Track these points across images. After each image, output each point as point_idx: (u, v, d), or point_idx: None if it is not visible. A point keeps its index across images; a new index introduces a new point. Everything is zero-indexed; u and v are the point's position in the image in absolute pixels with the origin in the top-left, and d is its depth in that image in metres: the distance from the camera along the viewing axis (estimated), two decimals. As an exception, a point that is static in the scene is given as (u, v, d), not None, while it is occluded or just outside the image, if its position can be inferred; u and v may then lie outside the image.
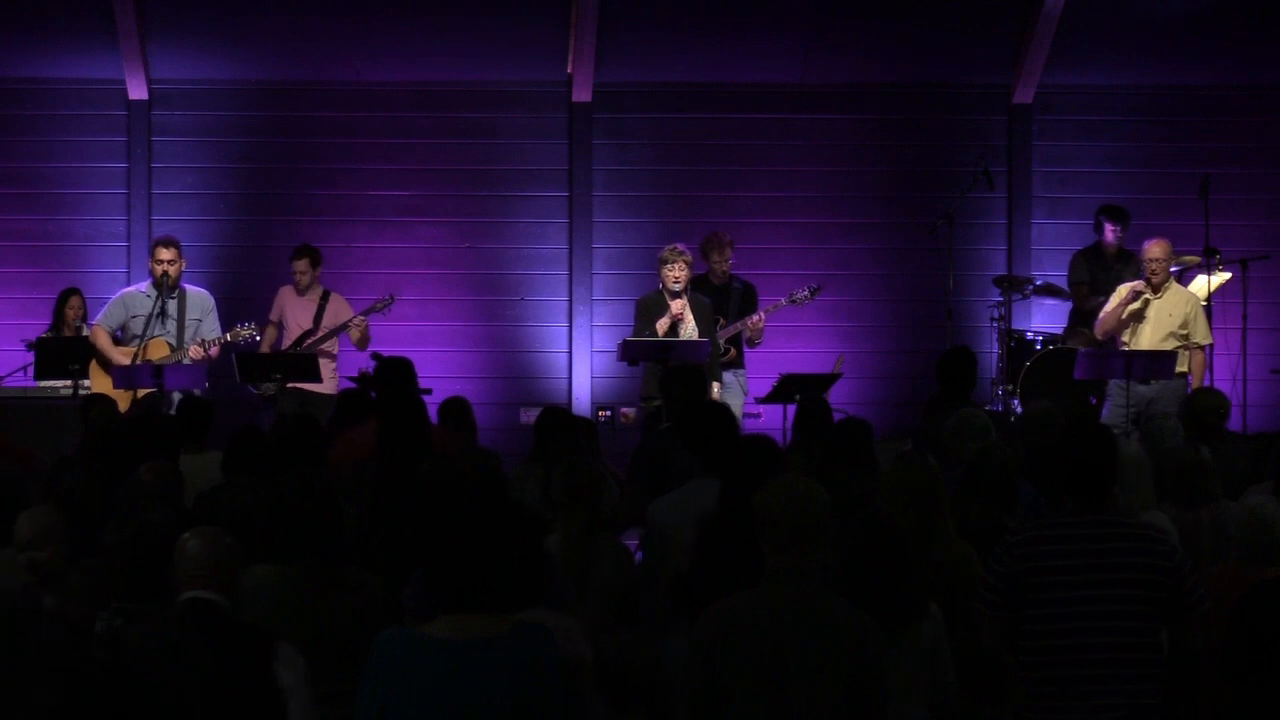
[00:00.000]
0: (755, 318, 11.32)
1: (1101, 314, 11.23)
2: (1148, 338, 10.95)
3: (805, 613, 4.73)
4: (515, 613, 4.55)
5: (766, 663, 4.70)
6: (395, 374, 8.35)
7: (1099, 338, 11.30)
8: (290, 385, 11.10)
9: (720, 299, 11.32)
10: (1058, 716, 5.10)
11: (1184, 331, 10.96)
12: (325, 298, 11.80)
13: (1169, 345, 10.87)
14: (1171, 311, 10.98)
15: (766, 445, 6.34)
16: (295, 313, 11.76)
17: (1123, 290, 11.07)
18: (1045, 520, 5.35)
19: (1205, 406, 8.72)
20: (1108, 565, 5.11)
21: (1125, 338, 11.04)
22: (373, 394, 8.79)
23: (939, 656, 5.23)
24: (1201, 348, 11.04)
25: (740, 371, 11.37)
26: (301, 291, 11.76)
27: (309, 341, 11.59)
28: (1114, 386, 10.78)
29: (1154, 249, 10.99)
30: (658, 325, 10.81)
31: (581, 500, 6.30)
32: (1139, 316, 10.99)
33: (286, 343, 11.64)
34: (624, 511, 7.40)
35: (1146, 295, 10.95)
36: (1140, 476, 6.93)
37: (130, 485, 6.47)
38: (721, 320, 11.21)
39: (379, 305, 11.65)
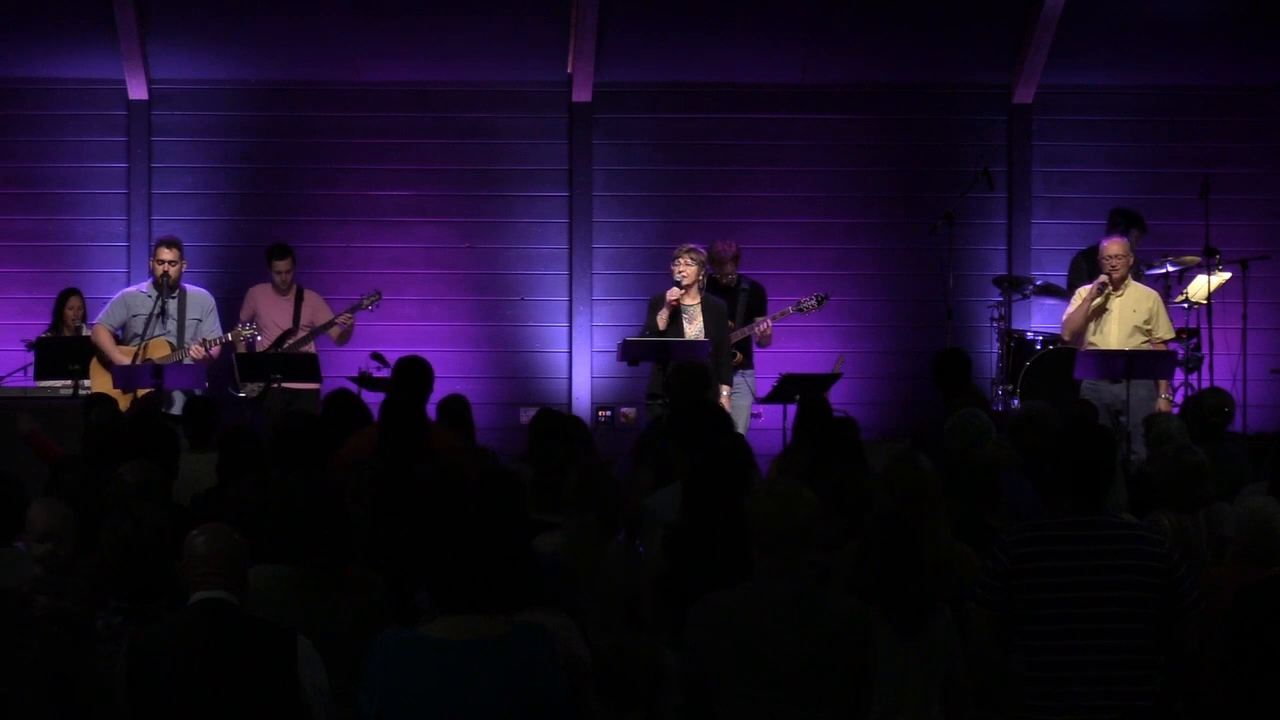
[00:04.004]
0: (764, 325, 11.33)
1: (1065, 317, 11.24)
2: (1115, 335, 10.95)
3: (795, 605, 4.75)
4: (513, 612, 4.55)
5: (757, 655, 4.72)
6: (412, 375, 8.34)
7: (1066, 339, 11.30)
8: (275, 385, 11.05)
9: (727, 300, 11.33)
10: (1052, 716, 5.10)
11: (1148, 326, 10.98)
12: (300, 296, 11.78)
13: (1135, 340, 10.90)
14: (1135, 308, 11.00)
15: (731, 450, 6.35)
16: (272, 312, 11.68)
17: (1082, 291, 11.09)
18: (1042, 520, 5.35)
19: (1211, 407, 8.70)
20: (1104, 566, 5.11)
21: (1090, 335, 11.02)
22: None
23: (955, 656, 5.24)
24: (1165, 342, 11.06)
25: (749, 373, 11.38)
26: (283, 291, 11.73)
27: (290, 341, 11.54)
28: (1087, 388, 10.77)
29: (1113, 247, 11.02)
30: (657, 318, 10.85)
31: (594, 501, 6.30)
32: (1101, 311, 11.00)
33: (265, 342, 11.59)
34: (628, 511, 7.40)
35: (1109, 290, 10.96)
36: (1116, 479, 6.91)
37: (113, 485, 6.45)
38: (730, 323, 11.23)
39: (365, 302, 11.62)
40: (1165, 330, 11.08)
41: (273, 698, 4.80)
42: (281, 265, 11.69)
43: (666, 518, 6.58)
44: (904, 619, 5.02)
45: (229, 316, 11.48)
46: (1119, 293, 10.99)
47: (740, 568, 5.34)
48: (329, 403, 8.38)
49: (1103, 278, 10.97)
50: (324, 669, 4.92)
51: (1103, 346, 10.86)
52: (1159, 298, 11.24)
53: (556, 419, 8.06)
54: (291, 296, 11.75)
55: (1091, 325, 11.02)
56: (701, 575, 5.65)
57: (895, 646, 5.12)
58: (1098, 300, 10.96)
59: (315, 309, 11.75)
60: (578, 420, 9.38)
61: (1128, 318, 10.98)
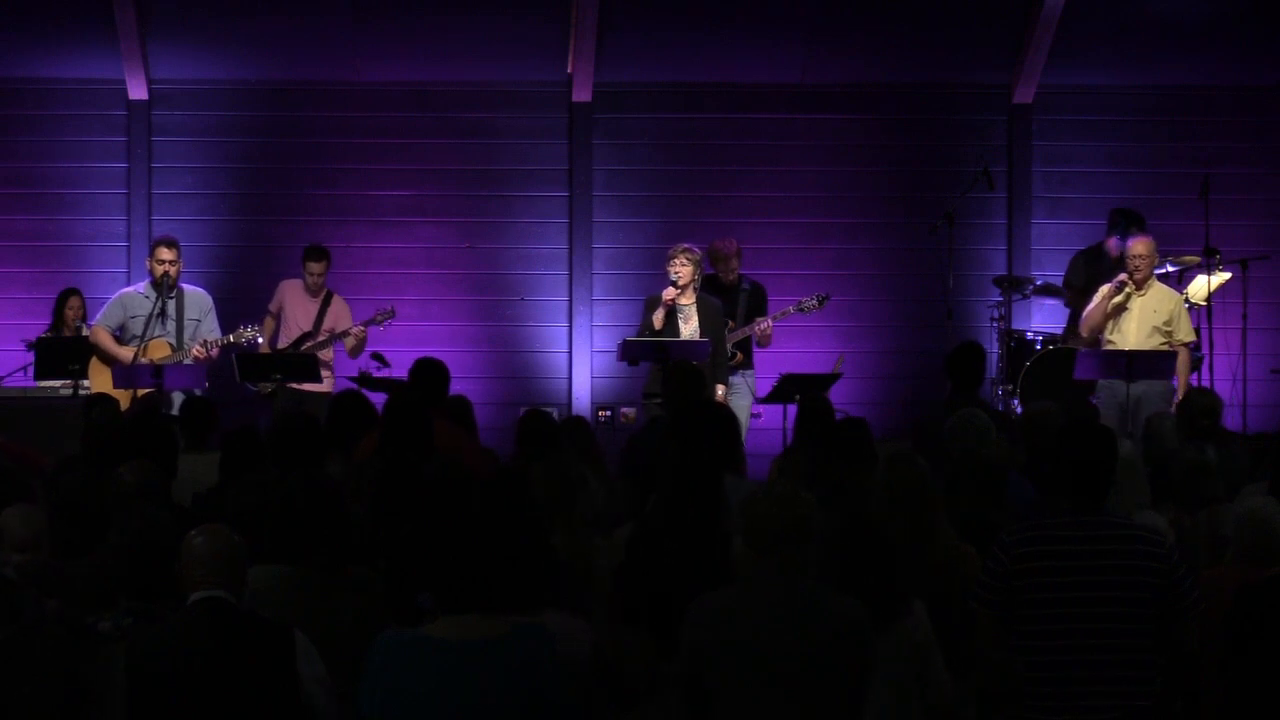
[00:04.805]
0: (764, 325, 11.32)
1: (1085, 313, 11.23)
2: (1133, 334, 10.94)
3: (793, 604, 4.76)
4: (524, 613, 4.55)
5: (756, 655, 4.72)
6: (431, 376, 8.34)
7: (1084, 335, 11.30)
8: (287, 384, 11.09)
9: (728, 300, 11.34)
10: (1052, 716, 5.10)
11: (1168, 328, 10.97)
12: (328, 300, 11.78)
13: (1154, 340, 10.88)
14: (1156, 308, 10.98)
15: (712, 453, 6.35)
16: (297, 311, 11.71)
17: (1104, 289, 11.08)
18: (1043, 520, 5.35)
19: (1201, 408, 8.68)
20: (1105, 566, 5.11)
21: (1109, 333, 11.01)
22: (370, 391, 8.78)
23: (928, 654, 5.24)
24: (1185, 345, 11.05)
25: (749, 373, 11.37)
26: (314, 293, 11.74)
27: (307, 345, 11.55)
28: (1103, 386, 10.77)
29: (1138, 246, 11.00)
30: (653, 317, 10.84)
31: (562, 500, 6.29)
32: (1121, 309, 10.99)
33: (284, 341, 11.61)
34: (615, 509, 7.39)
35: (1129, 289, 10.95)
36: (1133, 477, 6.91)
37: (113, 485, 6.45)
38: (731, 323, 11.23)
39: (379, 318, 11.61)
40: (1185, 333, 11.04)
41: (272, 695, 4.82)
42: (316, 267, 11.69)
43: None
44: (871, 615, 5.01)
45: (229, 317, 11.48)
46: (1141, 292, 10.97)
47: (701, 569, 5.35)
48: (336, 403, 8.39)
49: (1122, 276, 10.95)
50: (322, 662, 4.94)
51: (1121, 345, 10.83)
52: (1181, 299, 11.22)
53: (544, 420, 8.05)
54: (320, 299, 11.76)
55: (1110, 323, 10.99)
56: (658, 575, 5.64)
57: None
58: (1117, 299, 10.94)
59: (339, 315, 11.74)
60: (580, 420, 9.37)
61: (1148, 318, 10.95)
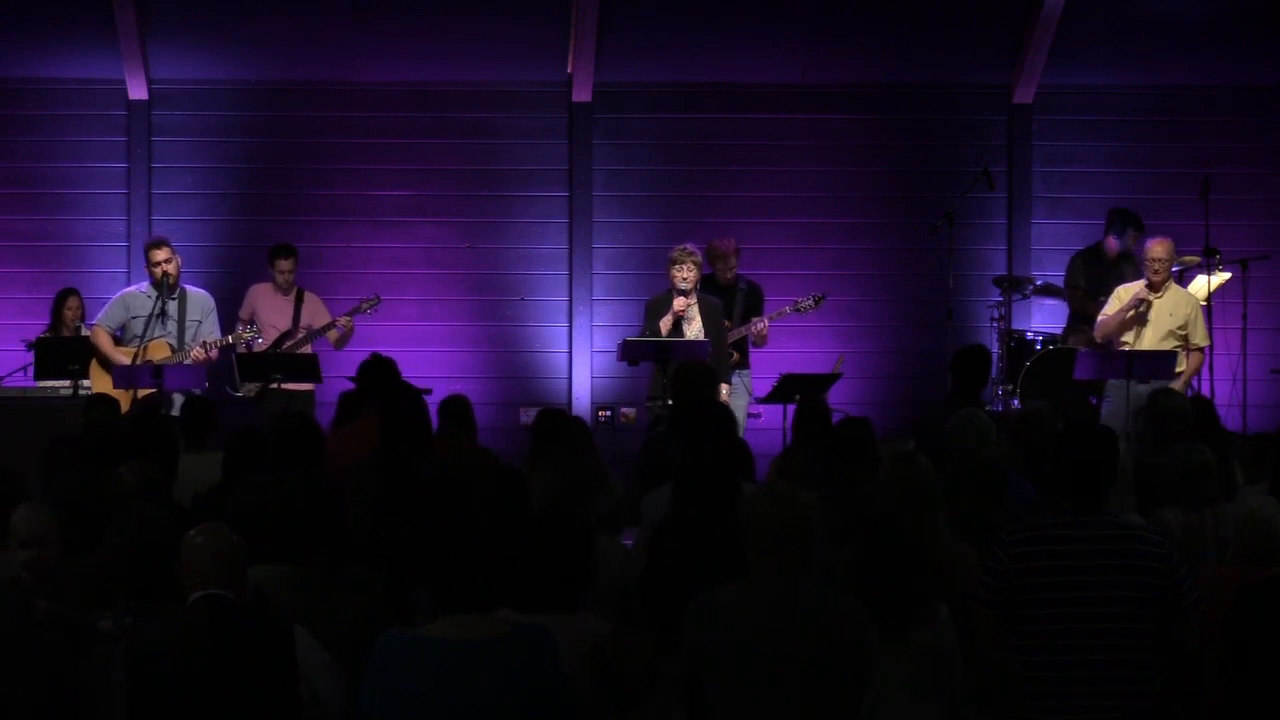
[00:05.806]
0: (760, 325, 11.32)
1: (1101, 317, 11.20)
2: (1149, 337, 10.93)
3: (792, 604, 4.77)
4: (558, 614, 4.57)
5: (755, 654, 4.73)
6: (384, 372, 8.34)
7: (1099, 340, 11.29)
8: (276, 386, 11.04)
9: (725, 299, 11.34)
10: (1052, 716, 5.10)
11: (1183, 332, 10.95)
12: (300, 297, 11.75)
13: (1169, 344, 10.86)
14: (1172, 312, 10.97)
15: (723, 453, 6.34)
16: (270, 313, 11.64)
17: (1123, 294, 11.05)
18: (1042, 520, 5.35)
19: (1168, 413, 8.50)
20: (1105, 566, 5.11)
21: (1128, 339, 11.01)
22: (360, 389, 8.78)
23: (950, 658, 5.23)
24: (1200, 349, 11.03)
25: (745, 372, 11.38)
26: (285, 291, 11.71)
27: (289, 344, 11.51)
28: (1112, 387, 10.76)
29: (1157, 249, 10.98)
30: (660, 323, 10.83)
31: (569, 498, 6.28)
32: (1142, 319, 10.98)
33: (264, 344, 11.54)
34: (622, 510, 7.40)
35: (1153, 298, 10.94)
36: (1123, 479, 6.89)
37: (114, 485, 6.45)
38: (728, 323, 11.22)
39: (364, 305, 11.58)
40: (1201, 337, 11.02)
41: (273, 691, 4.80)
42: (284, 265, 11.66)
43: (659, 516, 6.57)
44: (890, 619, 5.02)
45: (229, 317, 11.47)
46: (1159, 295, 10.96)
47: (722, 570, 5.35)
48: (343, 402, 8.36)
49: (1142, 294, 10.91)
50: (323, 650, 4.94)
51: (1138, 347, 10.83)
52: (1198, 303, 11.20)
53: (558, 418, 8.05)
54: (292, 298, 11.72)
55: (1130, 333, 10.98)
56: (682, 576, 5.64)
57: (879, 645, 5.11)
58: (1135, 310, 10.88)
59: (314, 311, 11.72)
60: (578, 420, 9.38)
61: (1164, 321, 10.94)
